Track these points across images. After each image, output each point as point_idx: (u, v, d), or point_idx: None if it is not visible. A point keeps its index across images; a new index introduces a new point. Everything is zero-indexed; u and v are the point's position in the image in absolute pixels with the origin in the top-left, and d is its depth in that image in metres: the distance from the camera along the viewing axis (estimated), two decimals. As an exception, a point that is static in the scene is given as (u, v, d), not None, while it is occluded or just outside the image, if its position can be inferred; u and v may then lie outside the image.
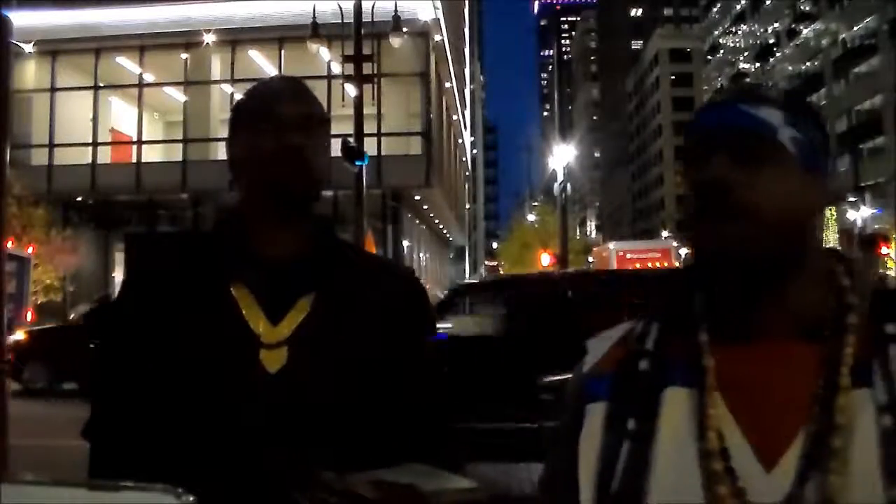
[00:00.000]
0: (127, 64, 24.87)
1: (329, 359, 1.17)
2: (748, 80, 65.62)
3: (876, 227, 33.07)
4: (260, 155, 1.21)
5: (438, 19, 24.25)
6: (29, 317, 15.18)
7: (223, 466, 0.98)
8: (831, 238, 35.27)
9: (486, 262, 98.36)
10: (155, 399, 1.14)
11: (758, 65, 63.49)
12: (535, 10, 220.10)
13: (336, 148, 15.03)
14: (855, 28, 47.79)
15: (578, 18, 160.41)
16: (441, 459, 1.15)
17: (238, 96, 1.37)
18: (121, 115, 26.02)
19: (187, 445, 1.11)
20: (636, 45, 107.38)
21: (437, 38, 24.68)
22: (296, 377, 1.15)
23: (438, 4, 23.83)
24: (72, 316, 20.20)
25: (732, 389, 0.85)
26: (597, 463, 0.88)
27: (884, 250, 28.57)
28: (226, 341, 1.16)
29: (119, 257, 23.15)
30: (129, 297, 1.25)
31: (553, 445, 0.97)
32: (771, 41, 60.75)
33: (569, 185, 25.19)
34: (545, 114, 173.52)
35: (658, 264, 23.67)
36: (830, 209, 36.75)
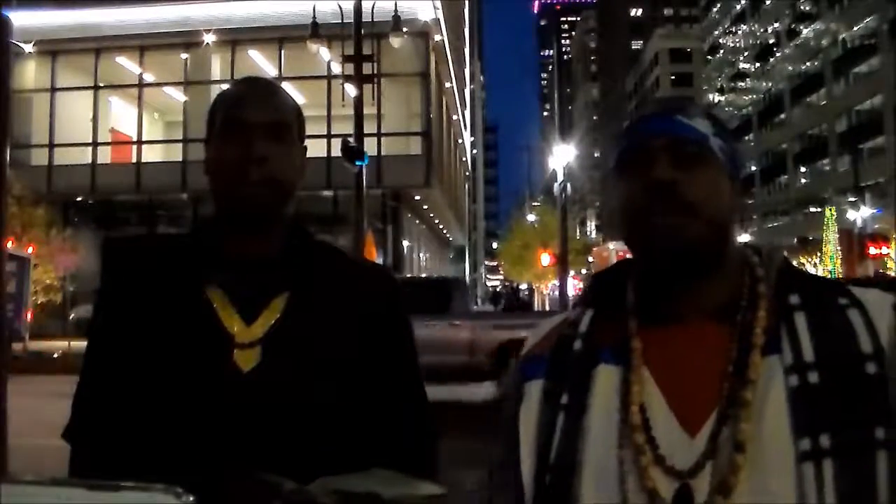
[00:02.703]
0: (127, 64, 24.87)
1: (302, 358, 1.17)
2: (747, 79, 65.64)
3: (876, 227, 33.08)
4: (222, 162, 1.21)
5: (438, 19, 24.25)
6: (29, 317, 15.21)
7: (195, 468, 0.98)
8: (831, 238, 35.28)
9: (486, 262, 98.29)
10: (132, 401, 1.15)
11: (758, 65, 63.47)
12: (535, 10, 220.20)
13: (336, 148, 15.01)
14: (855, 28, 47.78)
15: (578, 18, 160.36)
16: (414, 463, 1.15)
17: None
18: (121, 115, 26.02)
19: (162, 447, 1.11)
20: (636, 45, 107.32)
21: (437, 38, 24.68)
22: (268, 376, 1.14)
23: (438, 4, 23.83)
24: (71, 316, 20.21)
25: (659, 367, 0.95)
26: (536, 436, 0.98)
27: (884, 250, 28.63)
28: (200, 342, 1.16)
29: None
30: (105, 303, 1.25)
31: (500, 433, 1.06)
32: (771, 41, 60.71)
33: (569, 185, 25.19)
34: (545, 114, 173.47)
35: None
36: (831, 209, 36.75)
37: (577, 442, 0.93)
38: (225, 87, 1.39)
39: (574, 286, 31.90)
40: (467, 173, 53.18)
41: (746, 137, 66.38)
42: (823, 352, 0.89)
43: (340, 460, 1.05)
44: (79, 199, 24.51)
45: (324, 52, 17.36)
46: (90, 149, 24.53)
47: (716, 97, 75.33)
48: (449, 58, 28.42)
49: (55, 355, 14.73)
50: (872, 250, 28.23)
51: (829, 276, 34.45)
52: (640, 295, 1.01)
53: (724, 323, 0.95)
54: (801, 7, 55.28)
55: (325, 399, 1.16)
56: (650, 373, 0.94)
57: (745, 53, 66.63)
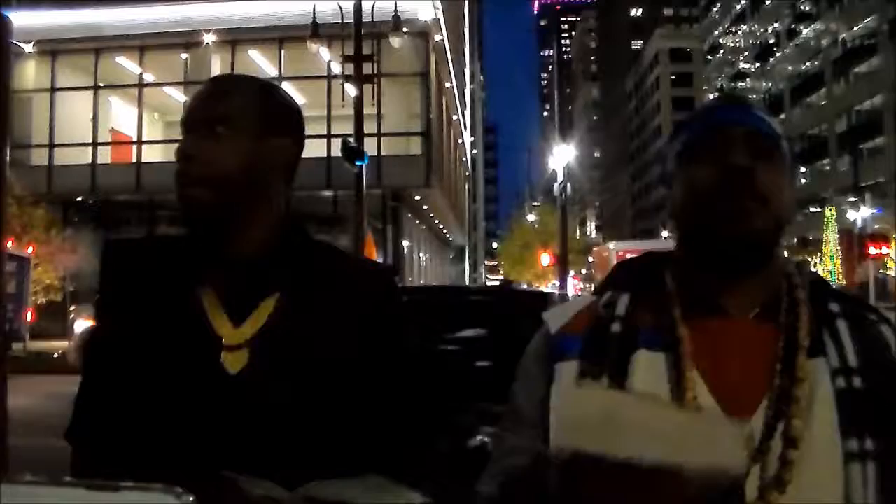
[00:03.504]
0: (127, 64, 24.87)
1: (291, 360, 1.15)
2: (748, 79, 65.64)
3: (876, 227, 33.07)
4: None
5: (438, 19, 24.24)
6: (29, 317, 15.22)
7: (184, 470, 0.97)
8: (831, 238, 35.28)
9: (486, 262, 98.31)
10: (128, 403, 1.15)
11: (758, 65, 63.46)
12: (535, 10, 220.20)
13: (336, 148, 14.98)
14: (855, 28, 47.77)
15: (578, 18, 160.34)
16: (404, 469, 1.13)
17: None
18: (121, 115, 26.02)
19: (153, 449, 1.10)
20: (636, 45, 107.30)
21: (437, 38, 24.67)
22: (255, 379, 1.13)
23: (438, 4, 23.82)
24: (71, 316, 20.20)
25: (702, 358, 0.95)
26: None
27: (884, 250, 28.62)
28: (189, 344, 1.15)
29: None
30: (104, 305, 1.25)
31: (513, 410, 1.02)
32: (771, 41, 60.71)
33: (569, 185, 25.19)
34: (545, 114, 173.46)
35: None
36: (831, 209, 36.74)
37: None
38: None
39: (574, 286, 31.86)
40: (467, 173, 53.17)
41: (746, 137, 66.26)
42: (865, 359, 0.92)
43: (332, 463, 1.03)
44: (79, 199, 24.51)
45: (324, 52, 17.38)
46: (90, 149, 24.53)
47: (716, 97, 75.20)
48: (449, 58, 28.41)
49: (55, 355, 14.74)
50: (872, 250, 28.17)
51: (830, 276, 34.48)
52: (683, 285, 1.01)
53: (766, 322, 0.96)
54: (801, 7, 55.27)
55: (315, 401, 1.14)
56: (694, 363, 0.94)
57: (745, 53, 66.62)
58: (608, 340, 0.97)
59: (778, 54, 59.14)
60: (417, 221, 30.69)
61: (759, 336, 0.95)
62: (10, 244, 12.05)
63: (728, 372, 0.93)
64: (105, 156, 25.22)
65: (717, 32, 74.53)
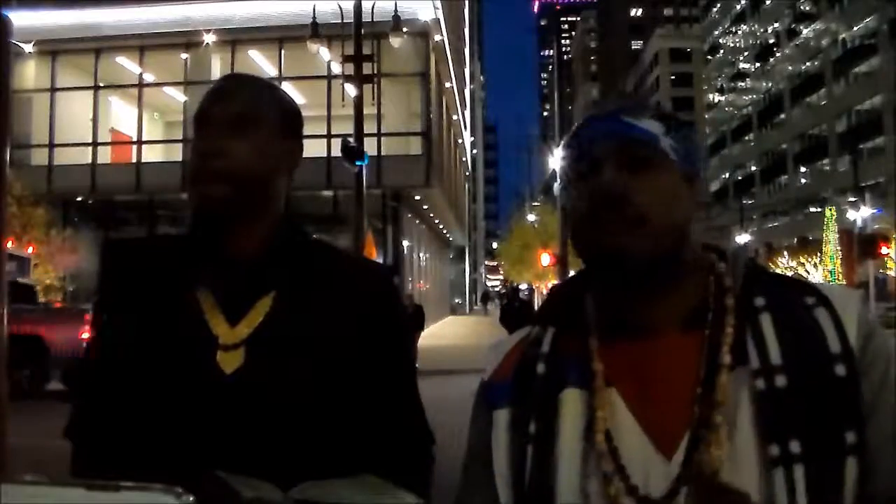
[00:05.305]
0: (127, 64, 24.86)
1: (287, 360, 1.15)
2: (747, 79, 65.62)
3: (876, 227, 33.05)
4: (190, 159, 1.20)
5: (438, 19, 24.22)
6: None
7: (179, 470, 0.97)
8: (831, 238, 35.27)
9: (486, 262, 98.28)
10: (125, 402, 1.15)
11: (758, 65, 63.45)
12: (535, 10, 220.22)
13: (336, 148, 14.98)
14: (855, 28, 47.76)
15: (578, 18, 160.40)
16: (407, 468, 1.14)
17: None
18: (121, 115, 26.01)
19: (150, 448, 1.10)
20: (636, 45, 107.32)
21: (437, 38, 24.66)
22: (251, 379, 1.13)
23: (438, 4, 23.81)
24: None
25: (627, 386, 0.89)
26: (508, 466, 0.91)
27: (884, 250, 28.59)
28: (185, 344, 1.15)
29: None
30: (103, 306, 1.25)
31: (468, 457, 0.99)
32: (771, 41, 60.69)
33: (569, 185, 25.21)
34: (545, 114, 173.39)
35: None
36: (831, 209, 36.67)
37: (548, 472, 0.88)
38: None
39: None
40: (467, 173, 53.17)
41: (746, 137, 66.32)
42: (791, 354, 0.84)
43: (328, 464, 1.03)
44: (79, 199, 24.50)
45: (324, 52, 17.38)
46: (90, 149, 24.52)
47: (716, 97, 75.25)
48: (449, 58, 28.40)
49: (55, 355, 14.70)
50: (885, 250, 27.92)
51: (830, 276, 34.45)
52: (601, 308, 0.95)
53: (692, 334, 0.89)
54: (801, 7, 55.26)
55: (310, 401, 1.13)
56: (619, 392, 0.89)
57: (745, 53, 66.58)
58: (535, 381, 0.93)
59: (778, 54, 59.11)
60: (417, 221, 30.68)
61: (683, 352, 0.88)
62: (10, 244, 12.05)
63: (653, 398, 0.87)
64: (105, 156, 25.22)
65: (717, 32, 74.48)
